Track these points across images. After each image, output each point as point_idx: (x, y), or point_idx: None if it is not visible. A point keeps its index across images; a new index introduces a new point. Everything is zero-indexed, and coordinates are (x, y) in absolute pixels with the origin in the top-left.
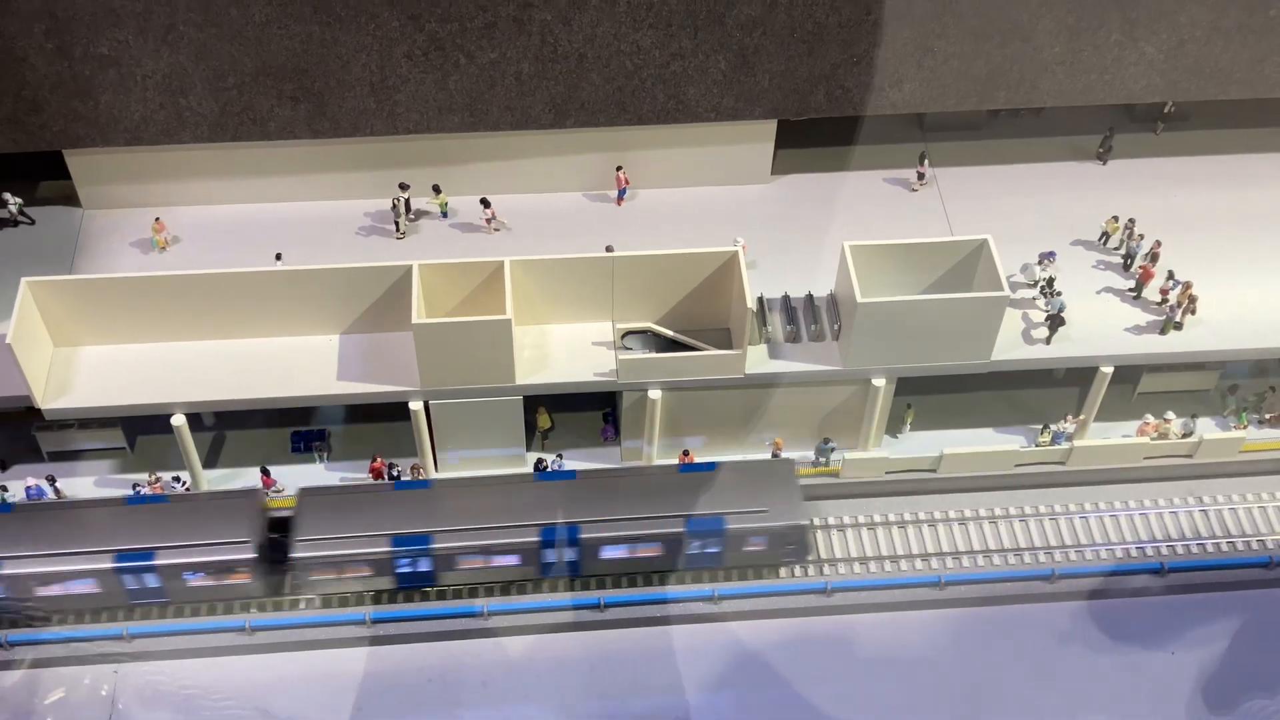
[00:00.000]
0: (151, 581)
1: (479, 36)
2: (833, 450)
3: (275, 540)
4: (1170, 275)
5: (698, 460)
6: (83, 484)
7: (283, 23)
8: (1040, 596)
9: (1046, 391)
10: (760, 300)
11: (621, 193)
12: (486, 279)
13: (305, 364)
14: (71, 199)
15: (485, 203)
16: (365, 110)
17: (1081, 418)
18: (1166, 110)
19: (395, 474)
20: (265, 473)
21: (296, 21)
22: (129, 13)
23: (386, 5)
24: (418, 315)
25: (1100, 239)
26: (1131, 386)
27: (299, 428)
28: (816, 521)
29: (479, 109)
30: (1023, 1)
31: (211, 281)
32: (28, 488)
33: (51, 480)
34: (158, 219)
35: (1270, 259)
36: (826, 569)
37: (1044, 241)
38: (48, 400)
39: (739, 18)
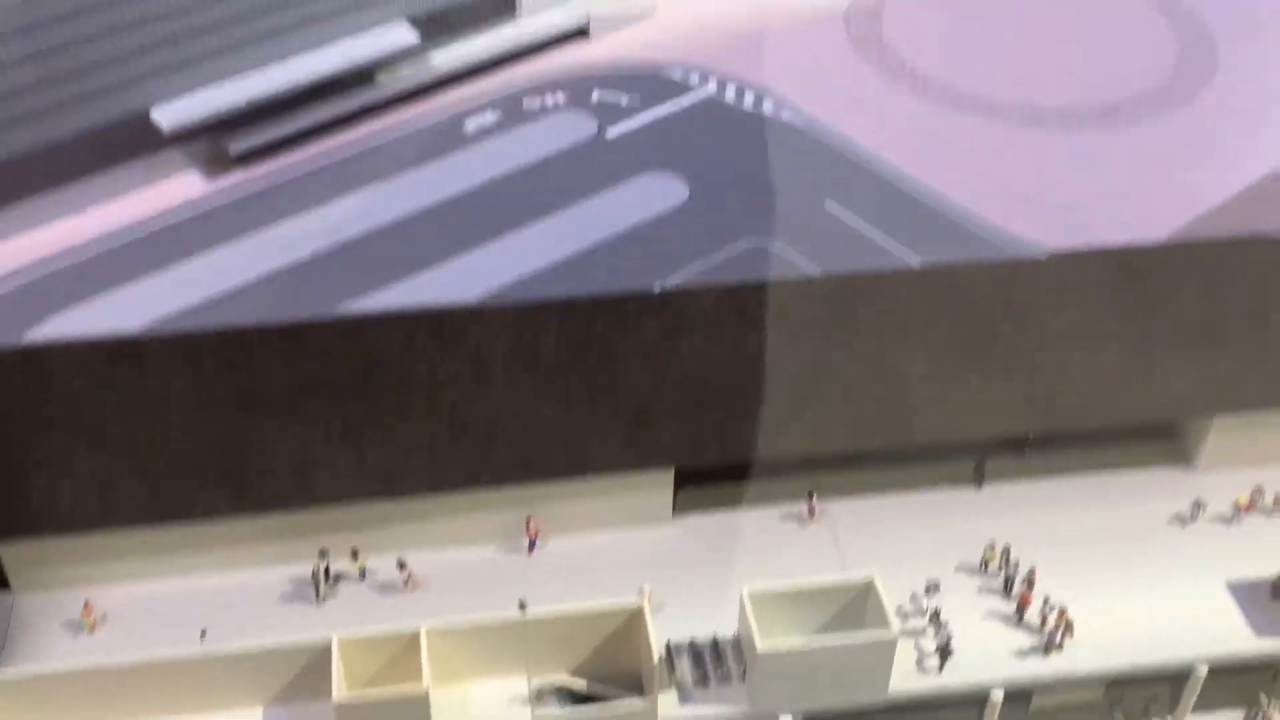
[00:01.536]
0: None
1: (394, 416)
2: None
3: None
4: (1045, 600)
5: None
6: None
7: (207, 416)
8: None
9: (947, 714)
10: (668, 646)
11: (532, 543)
12: (405, 645)
13: None
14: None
15: (401, 564)
16: (285, 489)
17: None
18: (1031, 437)
19: None
20: None
21: (220, 416)
22: (60, 419)
23: (306, 394)
24: (338, 690)
25: (981, 565)
26: (1025, 704)
27: None
28: None
29: (395, 479)
30: (891, 353)
31: (133, 670)
32: None
33: None
34: (86, 601)
35: (1139, 573)
36: None
37: (932, 568)
38: None
39: (630, 385)
